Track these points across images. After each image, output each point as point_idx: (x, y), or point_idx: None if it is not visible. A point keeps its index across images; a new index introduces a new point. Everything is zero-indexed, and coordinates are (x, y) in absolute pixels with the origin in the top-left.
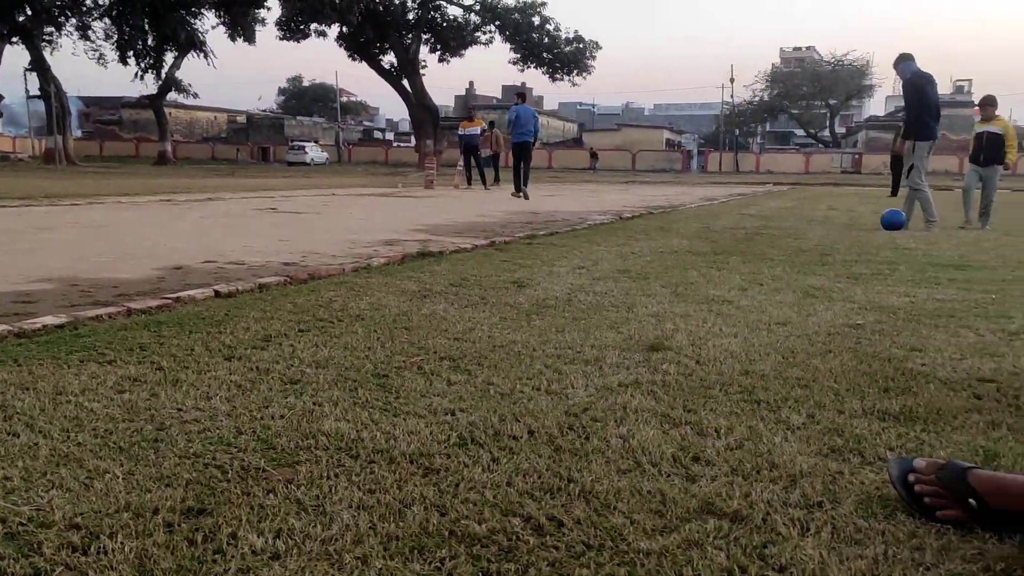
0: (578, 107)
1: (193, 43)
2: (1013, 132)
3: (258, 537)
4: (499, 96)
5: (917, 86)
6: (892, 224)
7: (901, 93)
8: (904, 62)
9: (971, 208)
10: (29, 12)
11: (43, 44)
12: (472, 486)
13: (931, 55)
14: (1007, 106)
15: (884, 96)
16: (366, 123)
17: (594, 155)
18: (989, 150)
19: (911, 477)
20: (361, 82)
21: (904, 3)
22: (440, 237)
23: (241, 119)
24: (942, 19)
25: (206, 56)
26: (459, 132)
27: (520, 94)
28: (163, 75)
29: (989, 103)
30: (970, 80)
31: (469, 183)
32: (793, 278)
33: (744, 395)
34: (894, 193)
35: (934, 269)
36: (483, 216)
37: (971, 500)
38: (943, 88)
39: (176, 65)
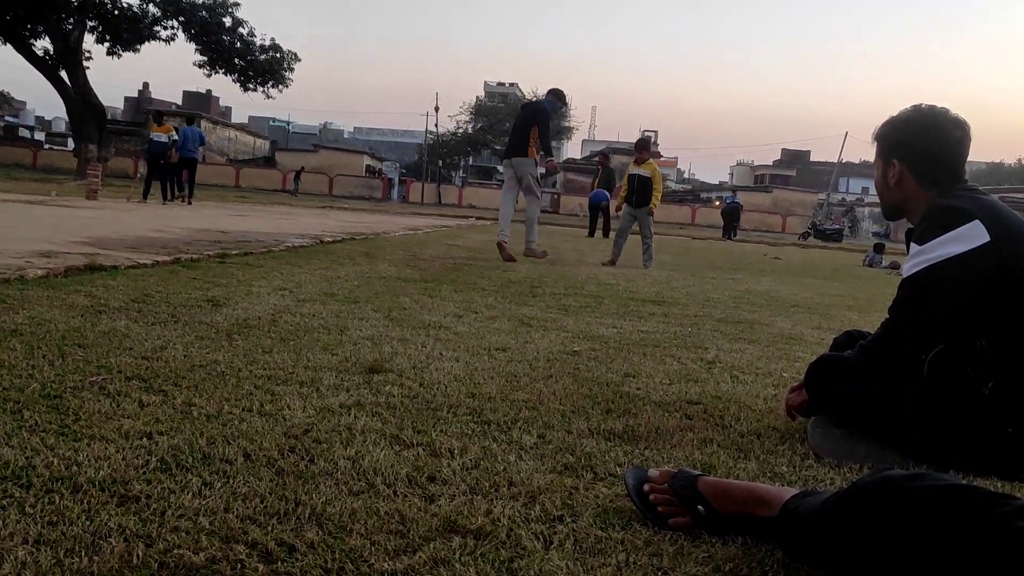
0: (271, 123)
1: None
2: (659, 176)
3: None
4: (179, 102)
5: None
6: None
7: (595, 138)
8: (548, 95)
9: (620, 248)
10: None
11: None
12: (182, 513)
13: (625, 104)
14: (686, 160)
15: (580, 140)
16: (9, 119)
17: (298, 176)
18: (639, 192)
19: (646, 487)
20: (5, 69)
21: (599, 54)
22: (111, 251)
23: None
24: (636, 77)
25: None
26: (151, 137)
27: (189, 119)
28: None
29: (643, 147)
30: (656, 132)
31: (145, 197)
32: (506, 307)
33: (473, 416)
34: (591, 234)
35: (636, 304)
36: (161, 231)
37: (699, 507)
38: (634, 137)
39: None
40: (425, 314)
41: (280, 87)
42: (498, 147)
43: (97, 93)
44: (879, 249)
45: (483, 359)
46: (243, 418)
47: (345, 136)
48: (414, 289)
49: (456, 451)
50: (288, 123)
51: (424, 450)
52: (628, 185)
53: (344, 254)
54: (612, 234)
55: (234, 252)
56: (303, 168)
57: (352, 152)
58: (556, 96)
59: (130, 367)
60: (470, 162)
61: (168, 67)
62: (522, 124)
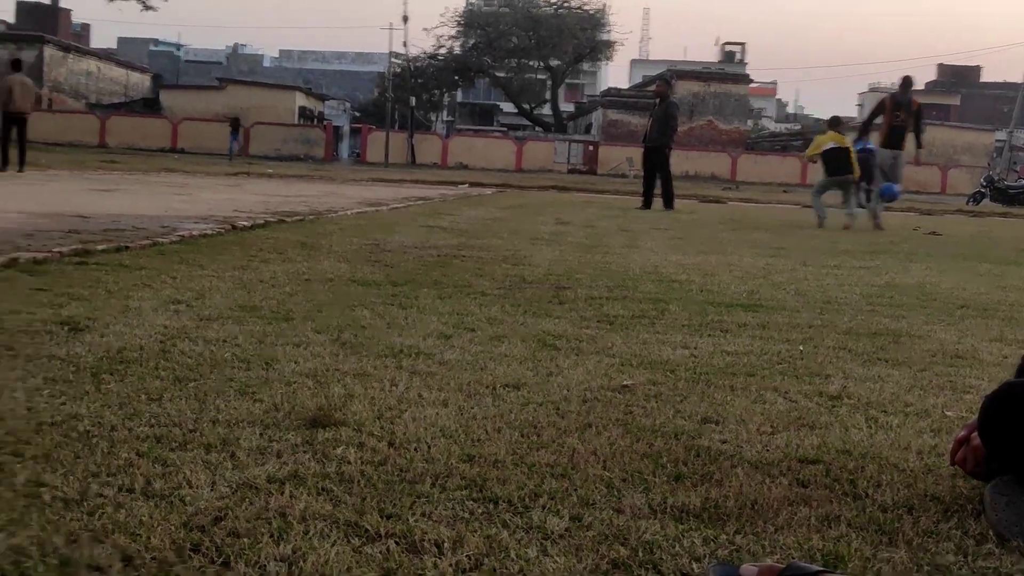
0: (153, 47)
1: None
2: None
3: None
4: (11, 19)
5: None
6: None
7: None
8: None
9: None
10: None
11: None
12: None
13: (694, 4)
14: (790, 86)
15: (629, 60)
16: None
17: (236, 126)
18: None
19: None
20: None
21: None
22: None
23: None
24: None
25: None
26: None
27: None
28: None
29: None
30: (742, 45)
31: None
32: (520, 321)
33: (472, 491)
34: (646, 203)
35: (717, 310)
36: None
37: None
38: (710, 56)
39: None
40: (395, 335)
41: None
42: (500, 73)
43: None
44: None
45: (485, 402)
46: (120, 503)
47: (267, 65)
48: (377, 297)
49: (447, 544)
50: (178, 47)
51: (398, 543)
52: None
53: (269, 245)
54: (677, 203)
55: (101, 247)
56: (237, 120)
57: (278, 88)
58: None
59: None
60: (458, 98)
61: None
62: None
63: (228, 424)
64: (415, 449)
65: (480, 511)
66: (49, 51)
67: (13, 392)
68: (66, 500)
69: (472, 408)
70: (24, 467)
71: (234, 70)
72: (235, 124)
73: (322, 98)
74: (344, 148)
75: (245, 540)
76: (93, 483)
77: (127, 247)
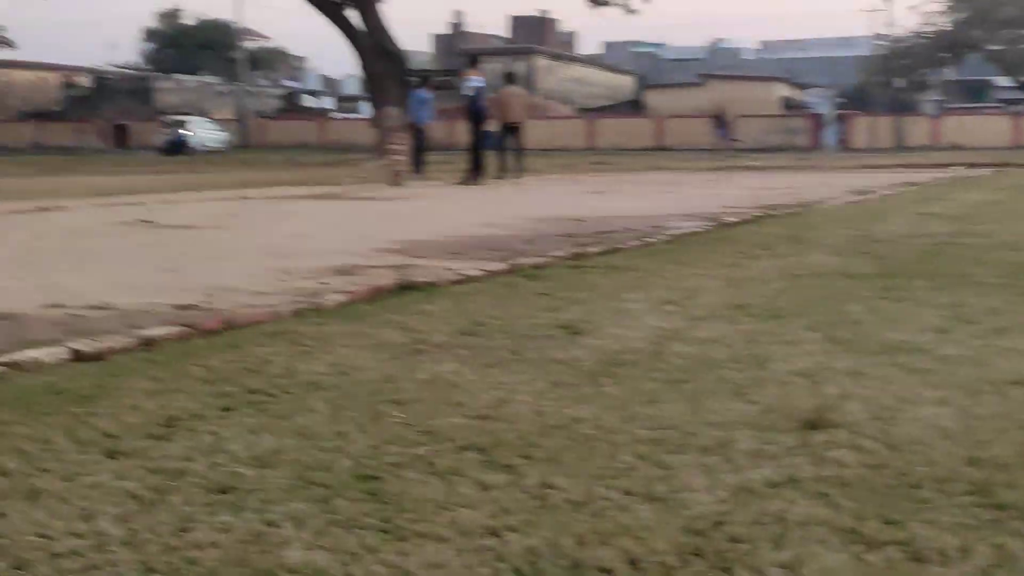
0: (633, 49)
1: None
2: None
3: None
4: (505, 33)
5: None
6: None
7: None
8: None
9: None
10: None
11: None
12: None
13: None
14: None
15: None
16: (289, 83)
17: (722, 121)
18: None
19: None
20: (279, 18)
21: None
22: (427, 260)
23: (85, 81)
24: None
25: None
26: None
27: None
28: None
29: None
30: None
31: (476, 172)
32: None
33: (977, 497)
34: None
35: None
36: (492, 225)
37: None
38: None
39: None
40: (888, 330)
41: None
42: (993, 47)
43: (400, 34)
44: None
45: (987, 400)
46: (623, 505)
47: (746, 57)
48: (868, 290)
49: (952, 553)
50: (658, 46)
51: (900, 551)
52: None
53: (755, 240)
54: None
55: (594, 249)
56: (721, 113)
57: (758, 80)
58: None
59: (462, 432)
60: (947, 76)
61: None
62: None
63: (723, 426)
64: (914, 451)
65: (987, 518)
66: (539, 61)
67: (521, 396)
68: (573, 502)
69: (974, 407)
70: (533, 469)
71: (715, 65)
72: (720, 118)
73: (803, 87)
74: (828, 135)
75: (744, 546)
76: (597, 485)
77: (618, 248)
